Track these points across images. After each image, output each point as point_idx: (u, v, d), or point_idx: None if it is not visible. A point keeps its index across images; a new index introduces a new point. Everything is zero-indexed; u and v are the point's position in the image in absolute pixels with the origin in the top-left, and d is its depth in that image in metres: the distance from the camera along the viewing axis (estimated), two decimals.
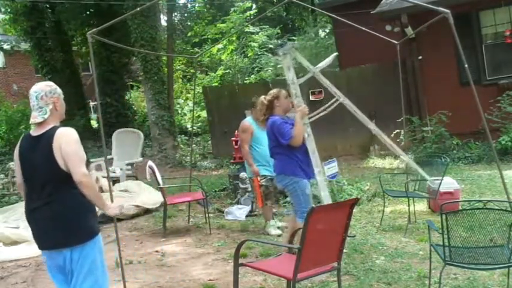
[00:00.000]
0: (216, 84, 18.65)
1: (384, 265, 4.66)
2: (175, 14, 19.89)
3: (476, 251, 3.49)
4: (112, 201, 4.06)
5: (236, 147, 8.34)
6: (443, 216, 3.37)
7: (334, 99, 5.35)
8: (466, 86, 6.86)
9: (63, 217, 3.02)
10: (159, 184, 6.70)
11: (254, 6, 21.32)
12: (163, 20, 18.18)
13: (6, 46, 18.64)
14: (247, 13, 20.04)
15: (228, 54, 19.58)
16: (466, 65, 4.54)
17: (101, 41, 6.63)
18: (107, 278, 3.28)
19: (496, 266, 3.54)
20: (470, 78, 4.55)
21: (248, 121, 6.33)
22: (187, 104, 19.69)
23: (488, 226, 3.44)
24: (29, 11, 16.52)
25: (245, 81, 18.17)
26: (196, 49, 20.49)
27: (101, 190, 8.26)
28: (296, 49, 5.27)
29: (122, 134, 10.82)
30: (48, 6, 16.92)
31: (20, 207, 6.66)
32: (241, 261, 3.80)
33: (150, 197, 8.02)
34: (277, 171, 5.03)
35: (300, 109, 4.91)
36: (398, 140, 10.32)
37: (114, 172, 9.43)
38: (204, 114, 16.82)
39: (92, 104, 22.52)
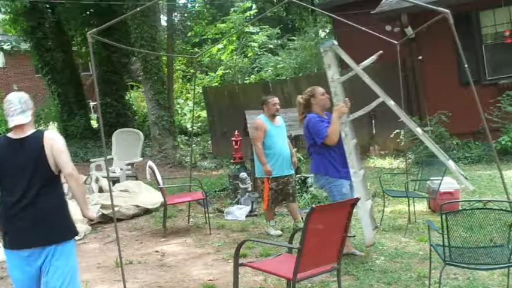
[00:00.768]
0: (216, 84, 18.64)
1: (384, 265, 4.66)
2: (175, 14, 19.87)
3: (476, 251, 3.49)
4: (112, 201, 4.23)
5: (236, 147, 8.33)
6: (443, 216, 3.37)
7: (379, 99, 5.15)
8: (466, 86, 6.85)
9: (50, 214, 3.14)
10: (159, 184, 6.69)
11: (254, 6, 21.31)
12: (163, 20, 18.16)
13: (6, 46, 18.61)
14: (247, 13, 20.05)
15: (228, 54, 19.58)
16: (466, 65, 4.53)
17: (101, 41, 6.62)
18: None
19: (496, 266, 3.54)
20: (470, 78, 4.53)
21: (261, 118, 6.09)
22: (187, 104, 19.66)
23: (488, 226, 3.44)
24: (29, 11, 16.47)
25: (245, 81, 18.17)
26: (196, 49, 20.50)
27: (101, 190, 8.28)
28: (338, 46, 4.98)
29: (122, 134, 10.81)
30: (48, 6, 16.88)
31: None
32: (241, 261, 3.81)
33: (150, 197, 8.02)
34: (313, 171, 4.99)
35: (337, 108, 4.78)
36: (398, 140, 10.34)
37: (114, 172, 9.43)
38: (204, 114, 16.81)
39: (92, 104, 22.50)
